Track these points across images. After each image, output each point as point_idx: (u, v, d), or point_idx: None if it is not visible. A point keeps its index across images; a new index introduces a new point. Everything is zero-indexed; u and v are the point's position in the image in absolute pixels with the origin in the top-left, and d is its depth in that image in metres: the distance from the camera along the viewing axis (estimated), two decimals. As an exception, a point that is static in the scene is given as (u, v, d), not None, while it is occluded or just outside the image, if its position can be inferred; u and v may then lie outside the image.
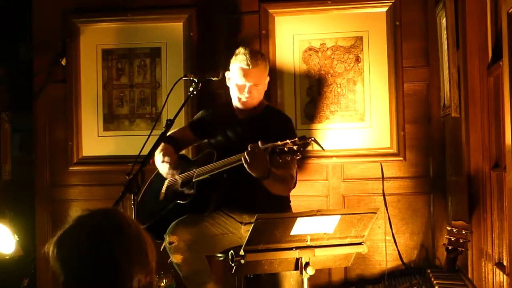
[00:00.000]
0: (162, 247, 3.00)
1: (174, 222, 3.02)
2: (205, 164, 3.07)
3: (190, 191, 3.05)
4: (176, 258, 2.97)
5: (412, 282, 3.34)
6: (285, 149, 2.61)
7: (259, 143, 2.70)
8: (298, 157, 2.65)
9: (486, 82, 3.10)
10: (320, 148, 2.68)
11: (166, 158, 3.11)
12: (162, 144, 3.13)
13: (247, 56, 3.06)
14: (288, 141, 2.61)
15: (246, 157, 2.73)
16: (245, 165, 2.75)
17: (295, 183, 3.35)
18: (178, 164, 3.15)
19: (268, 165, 2.73)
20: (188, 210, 3.06)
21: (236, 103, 3.16)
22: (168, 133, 3.00)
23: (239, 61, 3.07)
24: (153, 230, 3.12)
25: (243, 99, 3.09)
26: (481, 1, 3.12)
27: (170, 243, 2.95)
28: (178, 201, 3.07)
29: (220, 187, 3.06)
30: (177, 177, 3.18)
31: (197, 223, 3.05)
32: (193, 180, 3.07)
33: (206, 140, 3.35)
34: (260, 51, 3.21)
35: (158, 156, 3.15)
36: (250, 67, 3.06)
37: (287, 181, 2.98)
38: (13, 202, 4.38)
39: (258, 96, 3.12)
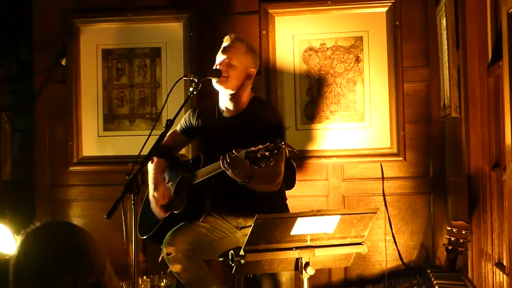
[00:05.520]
0: (160, 258, 3.00)
1: (170, 232, 3.01)
2: (194, 168, 3.08)
3: (182, 201, 3.05)
4: (175, 268, 2.97)
5: (412, 282, 3.34)
6: (258, 155, 2.60)
7: (233, 151, 2.69)
8: (271, 163, 2.63)
9: (486, 82, 3.10)
10: (296, 150, 2.67)
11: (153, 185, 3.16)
12: (155, 160, 3.13)
13: (229, 36, 3.15)
14: (260, 146, 2.60)
15: (225, 165, 2.73)
16: (227, 172, 2.75)
17: (294, 182, 3.36)
18: (161, 183, 3.17)
19: (249, 169, 2.71)
20: (184, 218, 3.07)
21: (221, 100, 3.15)
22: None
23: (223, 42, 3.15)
24: (155, 239, 3.15)
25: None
26: (481, 1, 3.12)
27: (167, 254, 2.95)
28: (173, 211, 3.07)
29: (210, 192, 3.06)
30: (171, 184, 3.19)
31: (193, 231, 3.04)
32: (183, 189, 3.08)
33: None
34: (246, 39, 3.19)
35: (150, 173, 3.18)
36: (228, 43, 3.11)
37: (272, 179, 2.96)
38: (13, 202, 4.38)
39: (234, 79, 3.05)
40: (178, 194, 3.11)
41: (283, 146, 2.58)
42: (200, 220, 3.08)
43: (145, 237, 3.19)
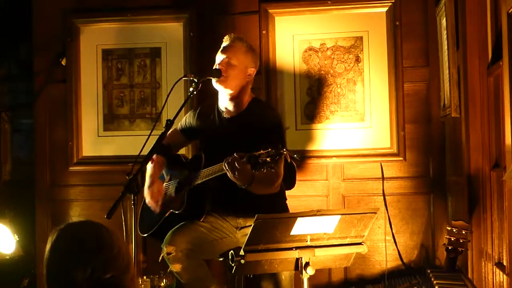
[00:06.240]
0: (160, 258, 3.00)
1: (170, 232, 3.01)
2: (195, 168, 3.07)
3: (182, 200, 3.05)
4: (175, 268, 2.97)
5: (412, 282, 3.34)
6: (259, 160, 2.58)
7: (235, 154, 2.68)
8: (272, 169, 2.61)
9: (486, 82, 3.10)
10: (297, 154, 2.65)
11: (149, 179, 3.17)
12: (155, 156, 3.12)
13: (228, 36, 3.15)
14: (262, 151, 2.59)
15: (227, 167, 2.72)
16: (228, 175, 2.74)
17: (294, 182, 3.36)
18: (158, 179, 3.17)
19: (250, 173, 2.70)
20: (184, 218, 3.07)
21: (221, 101, 3.15)
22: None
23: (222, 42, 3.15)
24: (156, 236, 3.15)
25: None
26: (481, 1, 3.12)
27: (168, 254, 2.95)
28: (173, 211, 3.07)
29: (211, 193, 3.06)
30: (171, 182, 3.19)
31: (193, 230, 3.04)
32: (184, 189, 3.08)
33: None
34: (246, 39, 3.19)
35: (148, 169, 3.17)
36: (227, 42, 3.11)
37: (272, 182, 2.95)
38: (13, 202, 4.38)
39: (234, 79, 3.05)
40: (179, 194, 3.11)
41: (285, 153, 2.57)
42: (201, 220, 3.08)
43: (145, 235, 3.19)
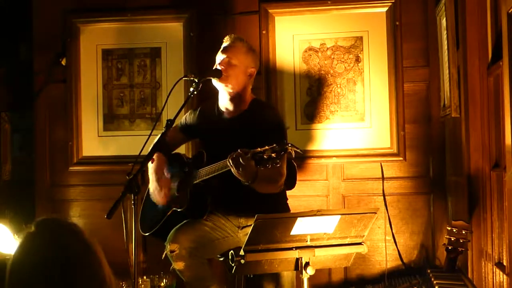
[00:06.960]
0: (164, 256, 3.00)
1: (173, 230, 3.02)
2: (197, 165, 3.07)
3: (185, 199, 3.05)
4: (178, 265, 2.97)
5: (412, 282, 3.34)
6: (264, 156, 2.58)
7: (239, 150, 2.68)
8: (277, 165, 2.62)
9: (486, 82, 3.10)
10: (299, 150, 2.65)
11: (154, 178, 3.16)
12: (155, 155, 3.11)
13: (229, 36, 3.15)
14: (267, 147, 2.60)
15: (231, 163, 2.72)
16: (232, 171, 2.74)
17: (295, 182, 3.36)
18: (163, 175, 3.17)
19: (254, 169, 2.69)
20: (186, 216, 3.07)
21: (222, 101, 3.15)
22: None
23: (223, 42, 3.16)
24: (158, 236, 3.15)
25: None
26: (481, 1, 3.12)
27: (171, 252, 2.96)
28: (175, 209, 3.08)
29: (213, 191, 3.06)
30: (173, 181, 3.19)
31: (196, 229, 3.05)
32: (186, 187, 3.08)
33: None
34: (246, 40, 3.19)
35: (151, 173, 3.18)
36: (228, 42, 3.12)
37: (275, 180, 2.94)
38: (13, 202, 4.38)
39: (235, 79, 3.05)
40: (181, 192, 3.11)
41: (290, 148, 2.58)
42: (203, 218, 3.08)
43: (147, 234, 3.20)
